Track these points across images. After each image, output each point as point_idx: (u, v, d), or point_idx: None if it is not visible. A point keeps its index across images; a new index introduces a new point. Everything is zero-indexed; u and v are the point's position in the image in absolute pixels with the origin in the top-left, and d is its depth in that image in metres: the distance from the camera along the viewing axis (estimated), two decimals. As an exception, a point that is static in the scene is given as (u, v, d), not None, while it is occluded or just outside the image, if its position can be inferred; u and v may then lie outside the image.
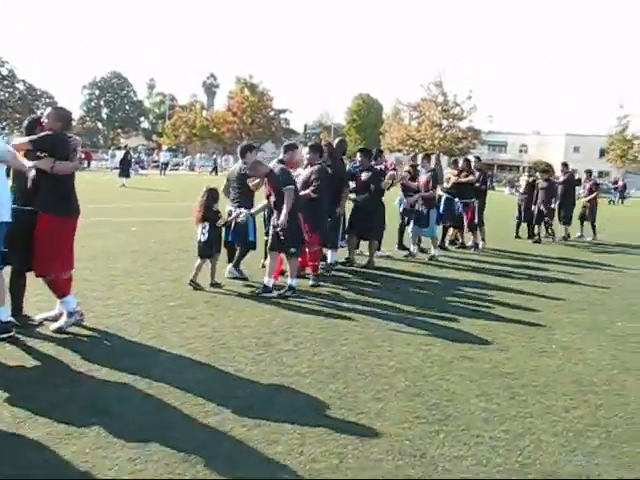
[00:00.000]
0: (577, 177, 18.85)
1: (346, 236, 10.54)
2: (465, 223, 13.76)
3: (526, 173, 17.35)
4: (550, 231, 16.46)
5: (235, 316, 7.00)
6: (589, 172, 18.79)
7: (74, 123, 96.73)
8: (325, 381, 5.15)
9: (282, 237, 7.97)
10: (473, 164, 14.31)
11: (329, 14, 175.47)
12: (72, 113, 6.94)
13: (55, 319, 6.20)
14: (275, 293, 7.99)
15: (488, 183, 15.55)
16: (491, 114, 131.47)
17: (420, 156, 14.58)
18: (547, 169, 19.09)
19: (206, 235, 8.27)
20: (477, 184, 13.92)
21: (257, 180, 8.49)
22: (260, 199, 8.89)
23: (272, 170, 8.11)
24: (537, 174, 17.28)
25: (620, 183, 49.81)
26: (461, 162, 14.55)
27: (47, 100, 77.03)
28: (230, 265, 8.95)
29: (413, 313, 7.57)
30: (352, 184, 10.43)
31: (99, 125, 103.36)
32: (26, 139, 5.93)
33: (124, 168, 30.64)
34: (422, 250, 12.52)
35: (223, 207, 8.77)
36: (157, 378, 5.01)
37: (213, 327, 6.52)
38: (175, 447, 3.89)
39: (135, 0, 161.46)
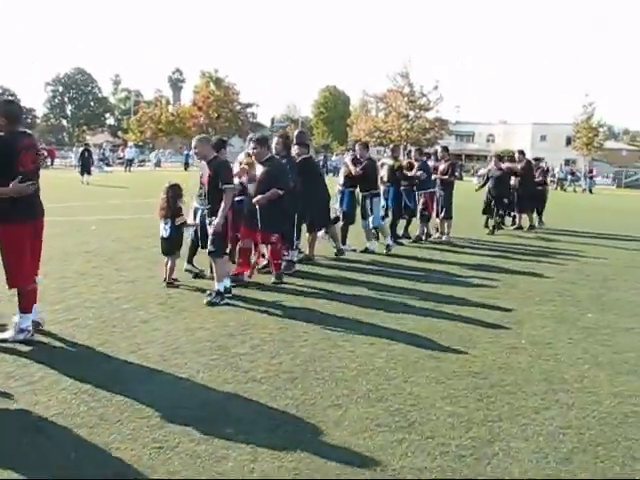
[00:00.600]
0: (545, 165, 18.30)
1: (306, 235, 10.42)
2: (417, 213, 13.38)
3: (492, 162, 16.74)
4: (499, 220, 15.80)
5: (190, 318, 6.65)
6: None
7: (38, 121, 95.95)
8: (282, 387, 4.83)
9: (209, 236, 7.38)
10: (440, 154, 14.20)
11: (294, 6, 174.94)
12: (21, 106, 6.29)
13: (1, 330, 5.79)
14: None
15: (456, 173, 15.28)
16: (458, 104, 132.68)
17: (413, 149, 14.58)
18: (502, 156, 17.93)
19: (168, 231, 8.09)
20: (446, 176, 13.66)
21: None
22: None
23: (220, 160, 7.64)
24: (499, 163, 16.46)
25: (594, 172, 50.02)
26: (439, 151, 14.69)
27: (9, 98, 75.26)
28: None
29: (378, 310, 7.26)
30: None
31: (64, 122, 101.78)
32: None
33: (84, 165, 29.89)
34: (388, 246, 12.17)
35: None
36: (102, 389, 4.65)
37: (167, 330, 6.16)
38: (113, 468, 3.55)
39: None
